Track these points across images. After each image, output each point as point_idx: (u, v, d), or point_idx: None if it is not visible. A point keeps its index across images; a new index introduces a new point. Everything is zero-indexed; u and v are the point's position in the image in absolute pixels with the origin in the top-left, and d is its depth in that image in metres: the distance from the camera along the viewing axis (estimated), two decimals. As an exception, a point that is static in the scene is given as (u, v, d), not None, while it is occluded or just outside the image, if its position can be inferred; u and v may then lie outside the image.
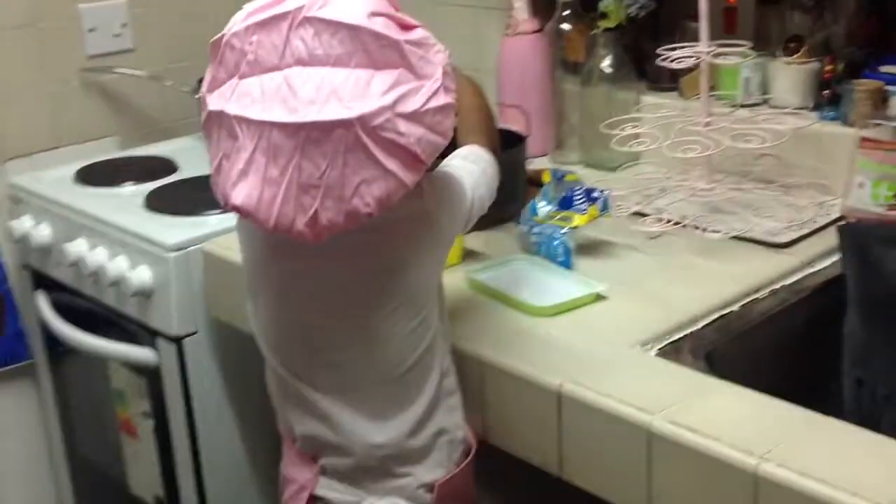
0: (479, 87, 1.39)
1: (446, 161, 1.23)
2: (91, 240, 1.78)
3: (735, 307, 1.32)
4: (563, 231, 1.43)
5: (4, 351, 2.08)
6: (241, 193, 1.01)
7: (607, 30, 1.77)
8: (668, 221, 1.51)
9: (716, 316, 1.30)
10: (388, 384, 1.15)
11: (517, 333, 1.27)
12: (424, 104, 1.00)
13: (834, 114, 1.59)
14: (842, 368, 1.34)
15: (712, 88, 1.75)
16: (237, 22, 1.02)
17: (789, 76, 1.65)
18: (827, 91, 1.61)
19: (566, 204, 1.48)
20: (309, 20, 0.98)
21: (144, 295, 1.68)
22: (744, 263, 1.42)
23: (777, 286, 1.37)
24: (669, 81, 1.81)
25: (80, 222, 1.81)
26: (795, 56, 1.64)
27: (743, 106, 1.67)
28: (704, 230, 1.48)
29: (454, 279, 1.40)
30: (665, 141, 1.52)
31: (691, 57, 1.49)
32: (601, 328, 1.27)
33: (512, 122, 1.91)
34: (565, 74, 1.89)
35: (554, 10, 1.85)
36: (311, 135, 0.97)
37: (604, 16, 1.77)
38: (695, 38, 1.54)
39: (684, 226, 1.49)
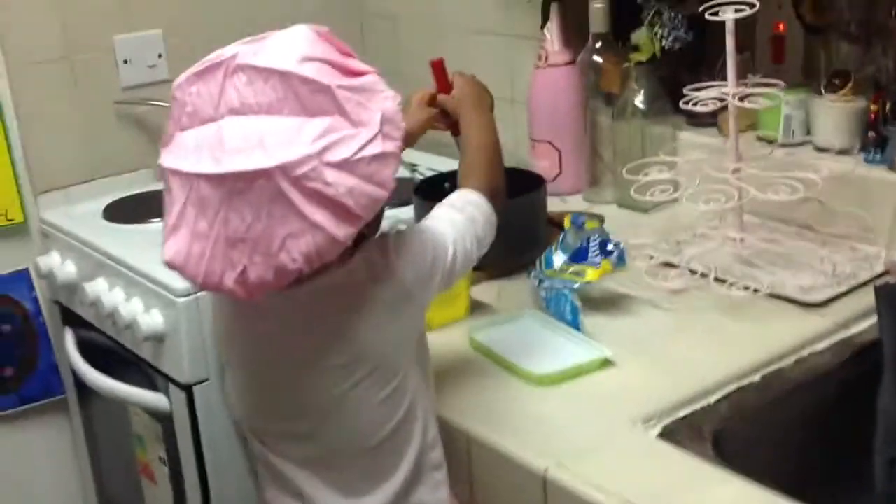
0: (492, 121, 1.32)
1: (434, 210, 1.17)
2: (110, 279, 1.76)
3: (755, 378, 1.22)
4: (574, 286, 1.34)
5: (38, 385, 2.07)
6: (171, 248, 0.98)
7: (640, 63, 1.67)
8: (694, 274, 1.41)
9: (732, 388, 1.20)
10: (362, 456, 1.09)
11: (512, 404, 1.18)
12: (357, 152, 0.94)
13: (880, 157, 1.46)
14: (874, 446, 1.22)
15: (752, 126, 1.65)
16: (182, 75, 0.99)
17: (833, 115, 1.53)
18: (872, 133, 1.48)
19: (580, 256, 1.39)
20: (242, 68, 0.95)
21: (157, 339, 1.64)
22: (771, 325, 1.31)
23: (805, 353, 1.26)
24: (710, 116, 1.70)
25: (100, 261, 1.78)
26: (840, 93, 1.51)
27: (783, 146, 1.55)
28: (731, 285, 1.37)
29: (455, 336, 1.33)
30: (689, 188, 1.42)
31: (717, 100, 1.37)
32: (603, 399, 1.18)
33: (543, 158, 1.84)
34: (602, 106, 1.79)
35: (586, 41, 1.75)
36: (236, 185, 0.92)
37: (636, 48, 1.67)
38: (738, 73, 1.43)
39: (714, 279, 1.38)
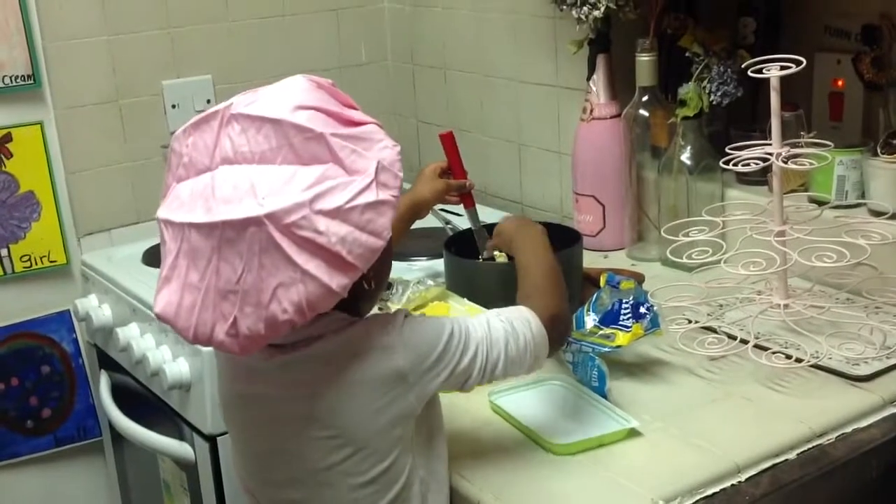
0: (548, 247, 1.24)
1: (479, 313, 1.12)
2: (141, 325, 1.75)
3: (791, 455, 1.14)
4: (603, 350, 1.27)
5: (75, 426, 2.07)
6: (162, 300, 0.95)
7: (686, 118, 1.61)
8: (734, 340, 1.33)
9: (766, 466, 1.12)
10: None
11: (528, 475, 1.12)
12: (350, 200, 0.91)
13: (938, 222, 1.38)
14: (921, 535, 1.13)
15: (804, 185, 1.58)
16: (182, 127, 0.97)
17: (888, 177, 1.44)
18: (929, 196, 1.40)
19: (611, 318, 1.32)
20: (235, 117, 0.93)
21: (183, 388, 1.62)
22: (812, 398, 1.23)
23: (848, 430, 1.18)
24: (760, 173, 1.62)
25: (134, 306, 1.77)
26: (896, 154, 1.43)
27: (835, 207, 1.47)
28: (773, 354, 1.29)
29: (476, 398, 1.27)
30: (729, 251, 1.35)
31: (760, 160, 1.31)
32: (624, 474, 1.11)
33: (587, 213, 1.78)
34: (648, 161, 1.73)
35: (633, 94, 1.70)
36: (226, 234, 0.90)
37: (683, 103, 1.61)
38: (790, 130, 1.37)
39: (754, 346, 1.31)
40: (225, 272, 0.91)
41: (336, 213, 0.91)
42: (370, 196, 0.92)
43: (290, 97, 0.93)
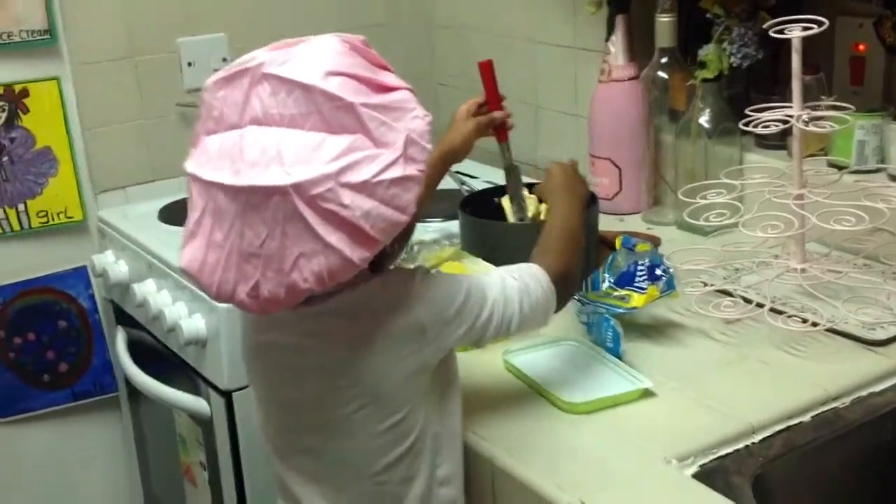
0: (579, 211, 1.28)
1: (493, 270, 1.13)
2: (158, 281, 1.76)
3: (806, 417, 1.14)
4: (618, 311, 1.27)
5: (92, 381, 2.09)
6: (187, 255, 0.96)
7: (706, 80, 1.60)
8: (749, 304, 1.33)
9: (780, 428, 1.12)
10: (367, 481, 1.05)
11: (541, 433, 1.13)
12: (377, 175, 0.91)
13: (959, 188, 1.37)
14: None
15: (824, 150, 1.57)
16: (212, 77, 0.97)
17: (908, 141, 1.43)
18: (951, 162, 1.39)
19: (627, 280, 1.32)
20: (266, 77, 0.92)
21: (199, 344, 1.63)
22: (828, 362, 1.23)
23: (864, 393, 1.18)
24: (779, 137, 1.62)
25: (150, 262, 1.78)
26: (917, 118, 1.42)
27: (854, 172, 1.46)
28: (789, 318, 1.29)
29: (491, 358, 1.28)
30: (747, 214, 1.34)
31: (780, 122, 1.30)
32: (638, 433, 1.11)
33: (603, 175, 1.78)
34: (666, 124, 1.72)
35: (652, 56, 1.69)
36: (251, 200, 0.90)
37: (703, 65, 1.60)
38: (811, 94, 1.35)
39: (770, 309, 1.31)
40: (248, 236, 0.91)
41: (362, 188, 0.90)
42: (397, 171, 0.92)
43: (322, 61, 0.92)
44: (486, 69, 1.44)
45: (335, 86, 0.91)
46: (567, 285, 1.15)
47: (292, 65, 0.92)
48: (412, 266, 1.28)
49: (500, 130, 1.47)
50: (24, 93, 1.91)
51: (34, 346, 2.02)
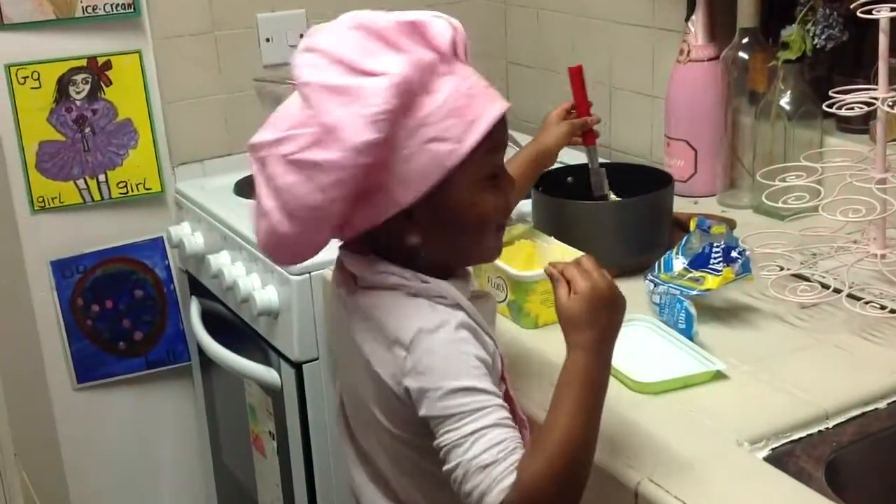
0: (600, 370, 0.96)
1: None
2: (233, 253, 1.78)
3: (881, 404, 1.12)
4: (691, 293, 1.26)
5: (166, 350, 2.13)
6: (260, 232, 1.00)
7: (788, 61, 1.57)
8: (826, 289, 1.31)
9: (854, 414, 1.10)
10: (406, 476, 1.05)
11: (609, 411, 1.11)
12: (296, 151, 0.93)
13: None
14: None
15: (907, 135, 1.52)
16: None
17: None
18: None
19: (702, 262, 1.31)
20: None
21: (271, 315, 1.65)
22: (906, 350, 1.20)
23: (943, 382, 1.15)
24: (862, 122, 1.58)
25: (226, 234, 1.81)
26: None
27: (941, 158, 1.42)
28: (867, 304, 1.26)
29: (560, 337, 1.27)
30: (828, 198, 1.32)
31: (864, 104, 1.27)
32: (709, 415, 1.10)
33: (678, 157, 1.76)
34: (745, 106, 1.69)
35: (733, 36, 1.66)
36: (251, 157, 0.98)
37: (785, 46, 1.57)
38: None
39: (847, 295, 1.28)
40: (258, 190, 0.98)
41: (286, 160, 0.93)
42: (315, 154, 0.92)
43: (316, 35, 0.98)
44: (577, 75, 1.45)
45: (306, 61, 0.95)
46: (543, 494, 0.88)
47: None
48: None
49: (589, 135, 1.47)
50: (107, 65, 1.95)
51: (111, 315, 2.07)
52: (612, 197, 1.50)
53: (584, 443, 0.91)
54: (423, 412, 0.93)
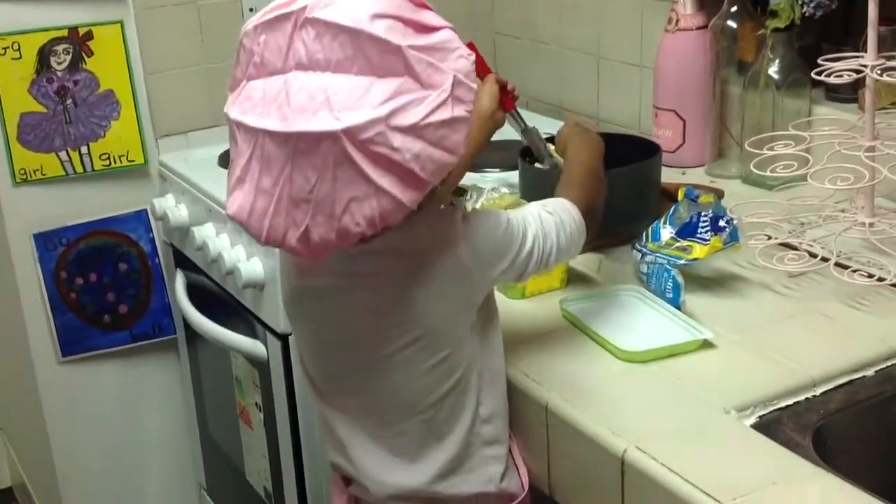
0: (601, 149, 1.29)
1: (526, 205, 1.13)
2: (217, 225, 1.77)
3: (869, 372, 1.11)
4: (679, 262, 1.25)
5: (151, 323, 2.12)
6: (235, 202, 0.96)
7: (776, 30, 1.55)
8: (814, 258, 1.30)
9: (842, 381, 1.10)
10: (409, 420, 1.06)
11: (596, 379, 1.12)
12: (425, 117, 0.90)
13: None
14: None
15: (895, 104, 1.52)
16: (250, 21, 0.96)
17: None
18: None
19: (690, 231, 1.30)
20: (311, 21, 0.90)
21: (257, 287, 1.64)
22: (893, 317, 1.20)
23: (930, 350, 1.15)
24: (850, 91, 1.57)
25: (210, 207, 1.79)
26: None
27: (929, 126, 1.42)
28: (854, 272, 1.26)
29: (548, 305, 1.27)
30: (816, 166, 1.31)
31: (853, 72, 1.26)
32: (696, 383, 1.10)
33: (666, 127, 1.75)
34: (734, 76, 1.68)
35: (721, 5, 1.65)
36: (300, 146, 0.89)
37: (774, 14, 1.55)
38: (886, 46, 1.31)
39: (835, 264, 1.28)
40: (298, 181, 0.91)
41: (411, 130, 0.90)
42: (445, 113, 0.91)
43: (366, 4, 0.90)
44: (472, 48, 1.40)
45: (382, 29, 0.90)
46: (593, 218, 1.17)
47: (336, 8, 0.90)
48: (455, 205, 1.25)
49: (506, 99, 1.42)
50: (89, 35, 1.93)
51: (95, 288, 2.06)
52: (558, 159, 1.45)
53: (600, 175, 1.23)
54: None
